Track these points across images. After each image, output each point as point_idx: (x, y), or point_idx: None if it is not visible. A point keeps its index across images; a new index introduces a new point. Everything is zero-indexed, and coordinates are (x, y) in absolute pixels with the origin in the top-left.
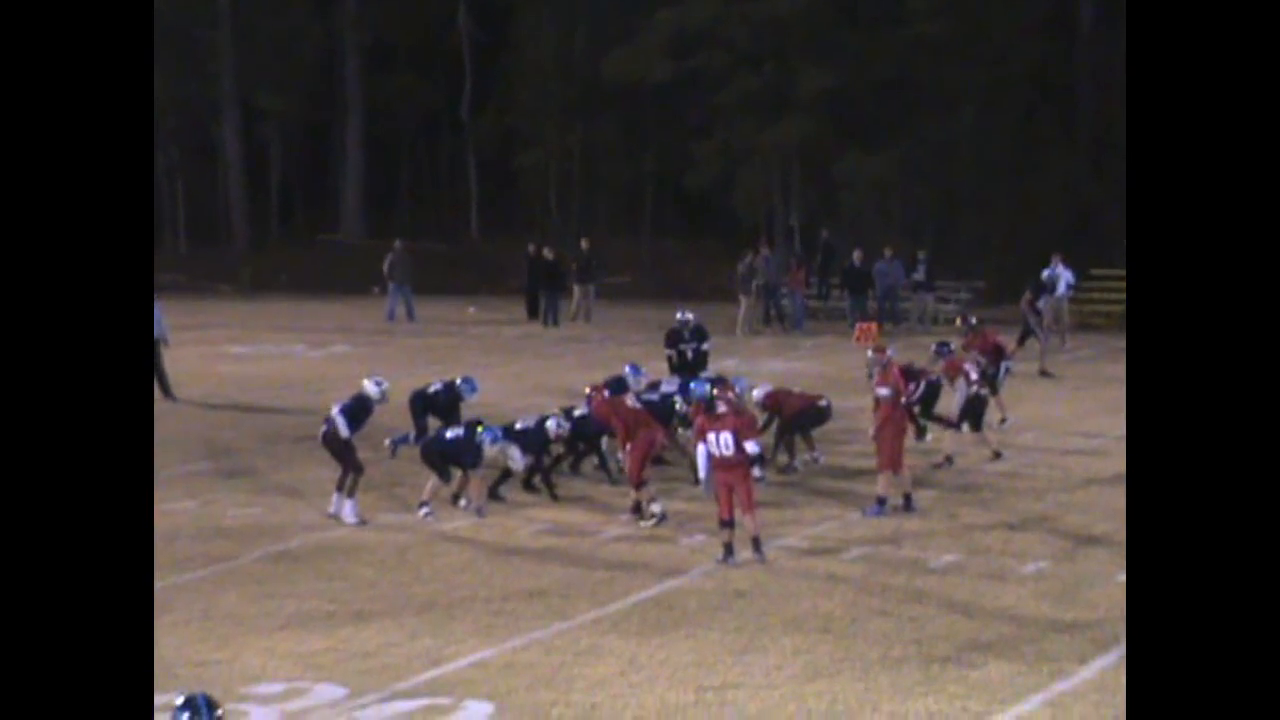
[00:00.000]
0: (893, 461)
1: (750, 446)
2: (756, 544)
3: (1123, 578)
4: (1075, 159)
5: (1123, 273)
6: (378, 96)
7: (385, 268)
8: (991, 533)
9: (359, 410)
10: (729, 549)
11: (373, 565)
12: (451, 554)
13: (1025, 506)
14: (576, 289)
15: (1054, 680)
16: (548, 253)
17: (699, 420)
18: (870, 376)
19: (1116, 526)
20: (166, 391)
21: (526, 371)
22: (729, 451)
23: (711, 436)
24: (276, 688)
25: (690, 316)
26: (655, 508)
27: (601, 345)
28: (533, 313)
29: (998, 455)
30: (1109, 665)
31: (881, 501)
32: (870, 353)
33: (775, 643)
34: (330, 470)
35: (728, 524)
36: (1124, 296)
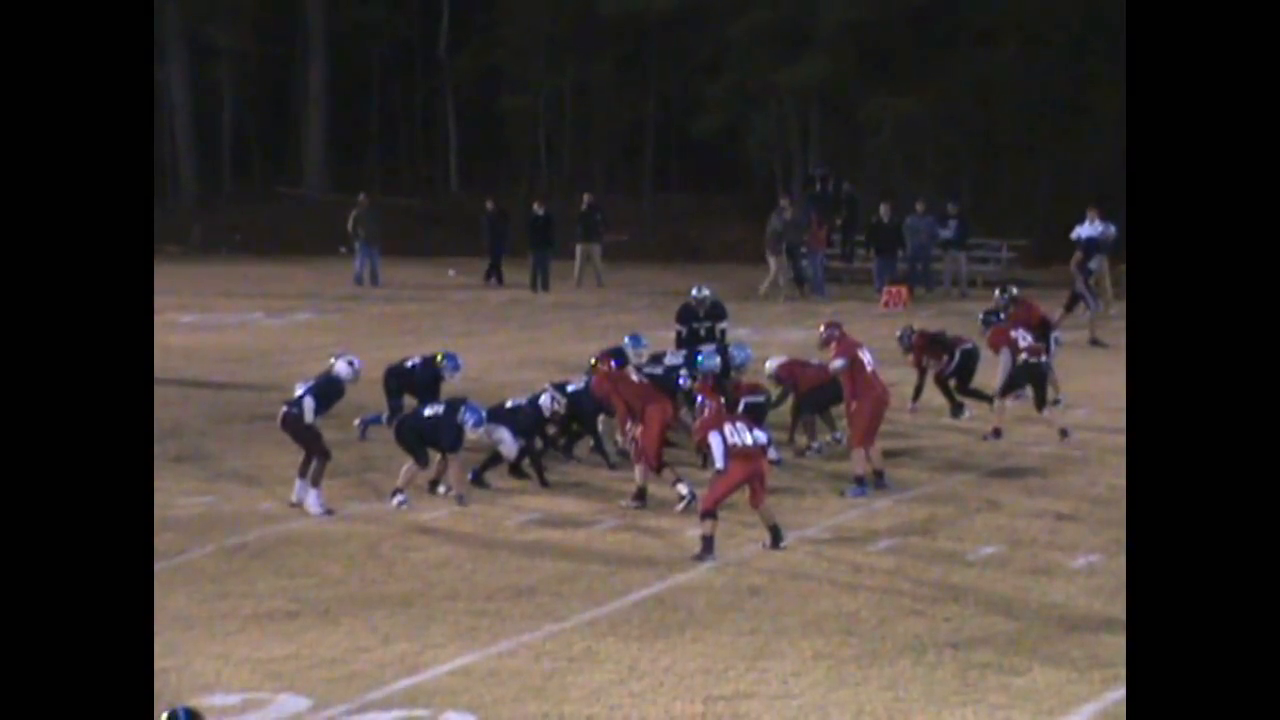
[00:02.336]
0: (863, 437)
1: (759, 435)
2: (776, 534)
3: None
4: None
5: None
6: (344, 30)
7: (350, 224)
8: (1037, 522)
9: (329, 391)
10: (709, 544)
11: (340, 561)
12: (429, 548)
13: (1075, 492)
14: (578, 249)
15: (1107, 688)
16: (538, 208)
17: (713, 407)
18: (822, 347)
19: None
20: None
21: (513, 342)
22: (750, 440)
23: (729, 426)
24: (233, 699)
25: (707, 292)
26: (682, 488)
27: (598, 313)
28: (491, 276)
29: (1064, 433)
30: None
31: (860, 481)
32: (822, 326)
33: (793, 646)
34: (292, 454)
35: (711, 514)
36: None
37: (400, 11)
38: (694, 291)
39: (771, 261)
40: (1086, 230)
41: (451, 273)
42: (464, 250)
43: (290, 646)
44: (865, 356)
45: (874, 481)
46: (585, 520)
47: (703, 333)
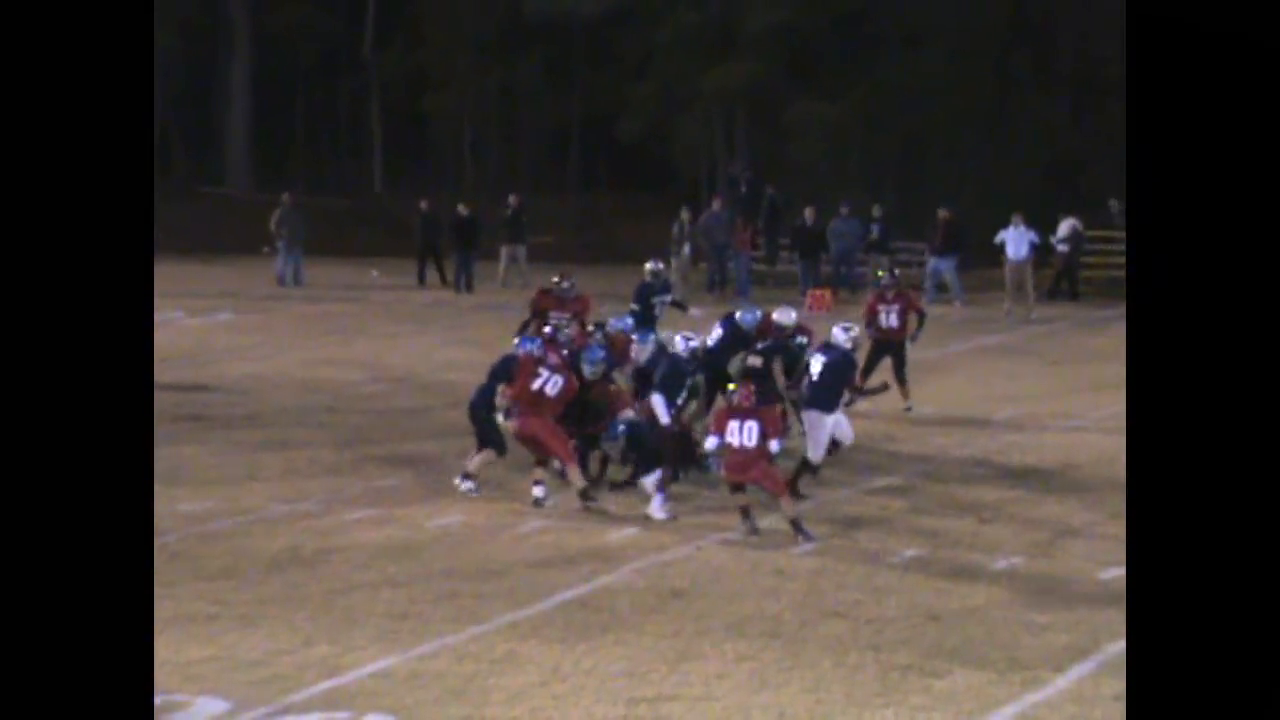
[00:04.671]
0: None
1: (773, 445)
2: (798, 526)
3: (1105, 575)
4: (1054, 105)
5: (1108, 233)
6: (268, 29)
7: (273, 224)
8: (959, 524)
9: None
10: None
11: (261, 562)
12: (351, 550)
13: (996, 495)
14: (504, 251)
15: (1027, 690)
16: (463, 209)
17: (719, 406)
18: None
19: (1097, 517)
20: None
21: (439, 344)
22: (750, 443)
23: (734, 424)
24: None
25: (661, 266)
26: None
27: (522, 313)
28: (423, 278)
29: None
30: (1087, 673)
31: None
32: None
33: (716, 649)
34: (209, 454)
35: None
36: (1110, 260)
37: (325, 11)
38: (649, 266)
39: (673, 261)
40: (1008, 233)
41: (375, 273)
42: (388, 251)
43: (210, 649)
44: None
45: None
46: (508, 522)
47: (657, 310)
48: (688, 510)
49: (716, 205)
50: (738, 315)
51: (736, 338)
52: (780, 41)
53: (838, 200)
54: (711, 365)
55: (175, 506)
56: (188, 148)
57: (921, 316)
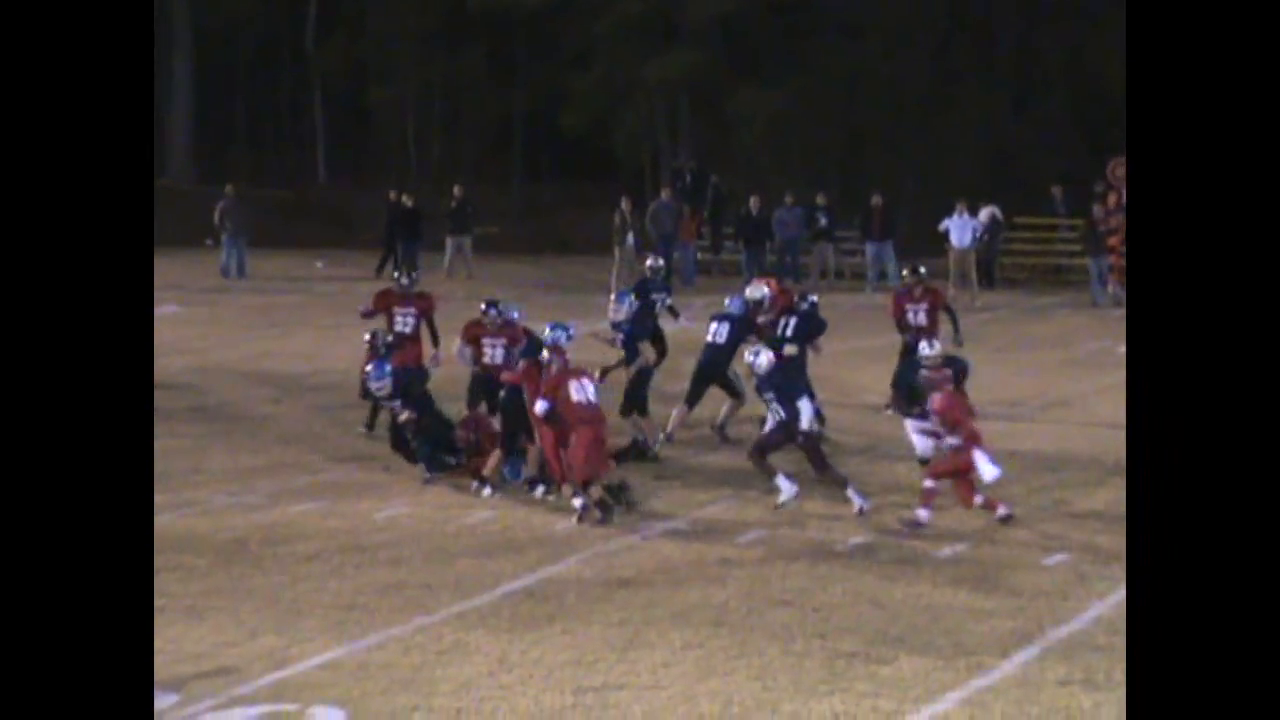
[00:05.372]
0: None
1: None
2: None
3: (1048, 561)
4: (994, 95)
5: (1046, 221)
6: (208, 21)
7: (216, 217)
8: (902, 513)
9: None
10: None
11: (207, 555)
12: (296, 542)
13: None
14: (449, 242)
15: (972, 675)
16: (406, 200)
17: (555, 369)
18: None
19: (1038, 505)
20: None
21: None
22: (595, 398)
23: (573, 383)
24: None
25: (661, 262)
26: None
27: (467, 304)
28: (386, 269)
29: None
30: (1032, 658)
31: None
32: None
33: (663, 637)
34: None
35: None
36: (1052, 249)
37: (266, 3)
38: (649, 263)
39: (616, 252)
40: (953, 221)
41: (319, 264)
42: (332, 242)
43: (156, 641)
44: (576, 386)
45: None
46: (454, 513)
47: (658, 306)
48: (637, 500)
49: (665, 194)
50: (748, 294)
51: (745, 328)
52: (722, 31)
53: (781, 189)
54: (718, 363)
55: None
56: None
57: (953, 314)
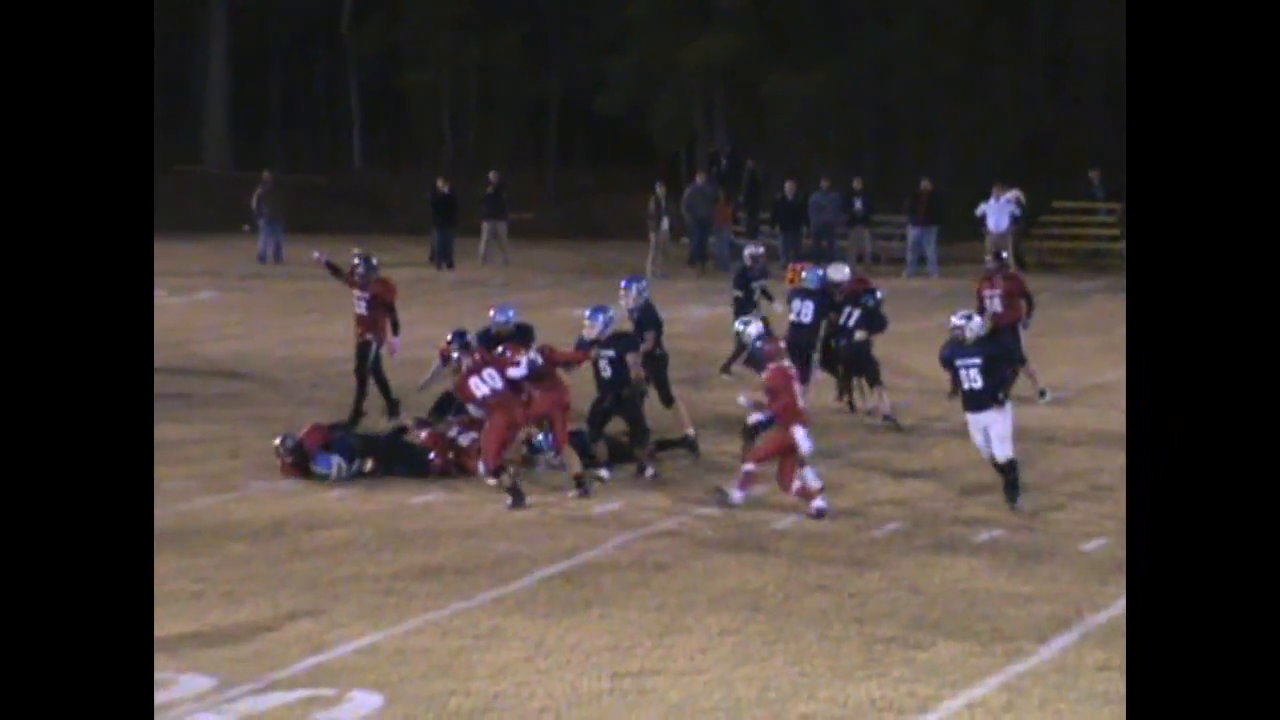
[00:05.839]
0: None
1: (515, 371)
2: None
3: (1086, 546)
4: (1029, 78)
5: (1083, 205)
6: (245, 5)
7: (254, 203)
8: (940, 498)
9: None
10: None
11: (244, 540)
12: (334, 527)
13: (977, 469)
14: (485, 227)
15: (1010, 661)
16: (442, 185)
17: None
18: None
19: (1077, 489)
20: None
21: (418, 320)
22: (503, 385)
23: (473, 380)
24: None
25: (761, 250)
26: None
27: (502, 291)
28: (439, 260)
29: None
30: (1070, 644)
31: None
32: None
33: (699, 623)
34: (194, 432)
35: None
36: (1089, 232)
37: None
38: (747, 250)
39: (651, 237)
40: (991, 207)
41: (356, 250)
42: (368, 228)
43: (194, 626)
44: (476, 382)
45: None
46: (491, 498)
47: (757, 293)
48: (674, 484)
49: (700, 179)
50: (831, 274)
51: (828, 306)
52: (757, 15)
53: (817, 173)
54: (805, 341)
55: (158, 485)
56: (164, 126)
57: (1029, 301)
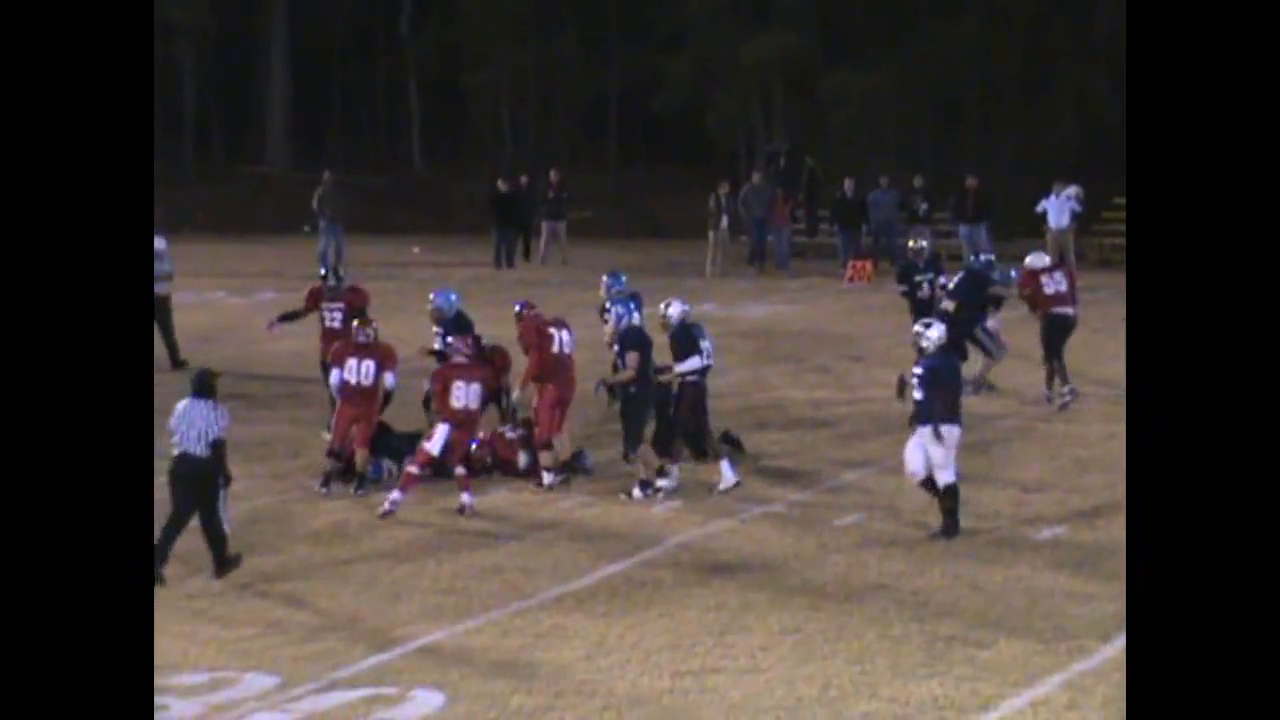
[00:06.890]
0: (550, 426)
1: (388, 379)
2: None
3: None
4: (1091, 73)
5: None
6: (306, 7)
7: (315, 203)
8: (1002, 495)
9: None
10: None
11: (307, 540)
12: (395, 527)
13: (1038, 466)
14: (545, 227)
15: (1073, 659)
16: (502, 184)
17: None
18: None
19: None
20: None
21: (477, 319)
22: (368, 381)
23: (352, 363)
24: (199, 678)
25: (925, 244)
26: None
27: (561, 290)
28: (501, 260)
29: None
30: None
31: (553, 471)
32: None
33: (760, 621)
34: (253, 430)
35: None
36: None
37: None
38: (911, 244)
39: (711, 236)
40: (1052, 203)
41: (416, 250)
42: (428, 228)
43: (257, 625)
44: (562, 336)
45: (572, 466)
46: (551, 498)
47: (925, 287)
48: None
49: (757, 178)
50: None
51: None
52: (815, 12)
53: (876, 171)
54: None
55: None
56: (225, 127)
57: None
